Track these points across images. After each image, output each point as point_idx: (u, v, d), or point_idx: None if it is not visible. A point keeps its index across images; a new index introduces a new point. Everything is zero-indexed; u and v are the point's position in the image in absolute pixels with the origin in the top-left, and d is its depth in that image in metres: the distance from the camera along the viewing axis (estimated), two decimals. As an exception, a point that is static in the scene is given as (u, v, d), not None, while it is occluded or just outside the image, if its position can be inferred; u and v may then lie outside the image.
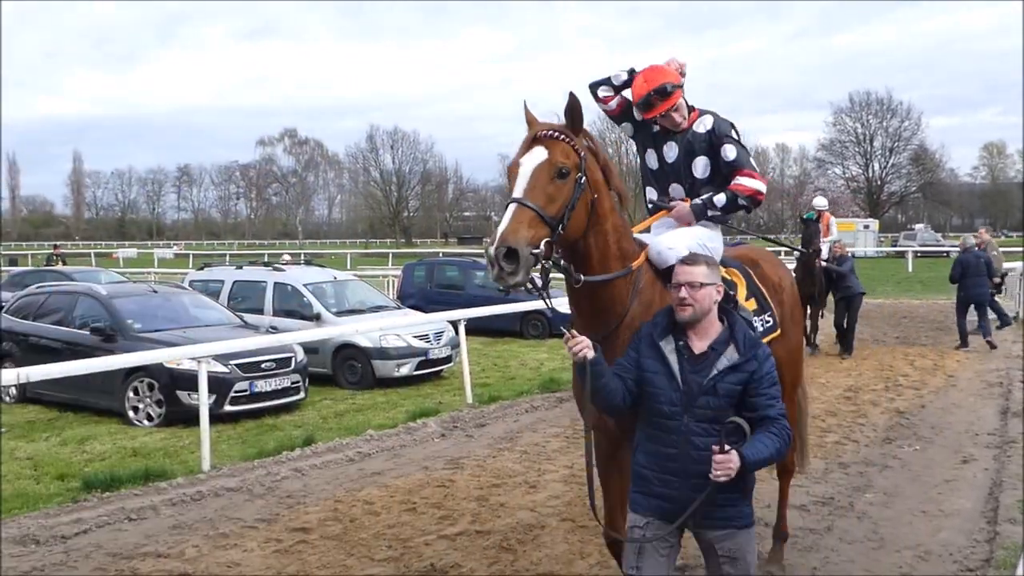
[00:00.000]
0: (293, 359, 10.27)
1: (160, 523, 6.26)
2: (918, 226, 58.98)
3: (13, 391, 10.60)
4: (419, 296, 17.51)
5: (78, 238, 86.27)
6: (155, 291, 12.05)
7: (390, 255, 45.97)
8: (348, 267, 32.25)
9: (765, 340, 4.23)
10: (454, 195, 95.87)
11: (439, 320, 12.12)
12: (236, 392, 9.59)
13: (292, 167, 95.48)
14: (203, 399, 7.82)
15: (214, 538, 5.91)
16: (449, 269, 19.17)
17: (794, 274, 13.46)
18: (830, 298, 14.55)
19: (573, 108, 3.56)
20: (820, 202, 15.72)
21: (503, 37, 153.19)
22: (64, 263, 26.07)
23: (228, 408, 9.50)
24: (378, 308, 13.22)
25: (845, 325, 13.98)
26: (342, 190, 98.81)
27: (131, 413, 9.60)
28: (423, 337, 12.19)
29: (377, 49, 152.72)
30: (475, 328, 14.00)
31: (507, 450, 8.23)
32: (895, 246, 50.96)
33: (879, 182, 78.19)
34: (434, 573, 5.24)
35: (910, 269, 35.67)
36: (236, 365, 9.59)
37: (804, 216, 14.94)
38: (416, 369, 12.04)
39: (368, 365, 11.82)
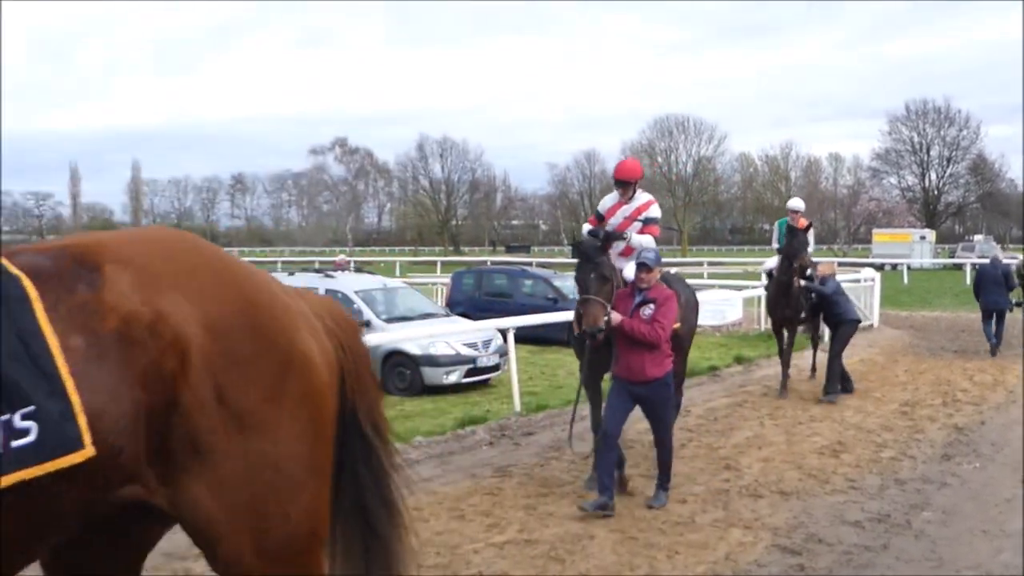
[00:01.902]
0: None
1: (213, 525, 6.34)
2: (977, 237, 57.48)
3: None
4: (468, 304, 17.57)
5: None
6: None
7: (438, 263, 46.16)
8: (397, 274, 32.50)
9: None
10: (502, 203, 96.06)
11: (488, 328, 12.14)
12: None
13: (343, 175, 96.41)
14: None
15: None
16: (498, 277, 19.21)
17: (765, 291, 12.61)
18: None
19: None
20: (796, 204, 12.43)
21: (551, 45, 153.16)
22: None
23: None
24: (427, 315, 13.30)
25: (828, 358, 11.46)
26: (392, 198, 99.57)
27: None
28: (472, 345, 12.22)
29: (427, 58, 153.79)
30: (523, 337, 13.95)
31: (555, 459, 8.21)
32: (952, 257, 49.78)
33: (936, 192, 76.44)
34: (482, 581, 5.24)
35: (967, 282, 34.79)
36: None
37: (779, 224, 12.32)
38: (464, 377, 12.08)
39: (417, 372, 11.89)
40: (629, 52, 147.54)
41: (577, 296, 7.10)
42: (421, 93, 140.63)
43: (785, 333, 11.82)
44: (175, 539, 5.97)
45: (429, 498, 6.91)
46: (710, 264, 39.26)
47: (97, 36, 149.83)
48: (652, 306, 6.56)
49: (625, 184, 7.62)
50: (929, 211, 74.40)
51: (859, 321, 12.01)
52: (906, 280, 35.58)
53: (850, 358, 12.38)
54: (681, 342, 7.51)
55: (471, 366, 12.15)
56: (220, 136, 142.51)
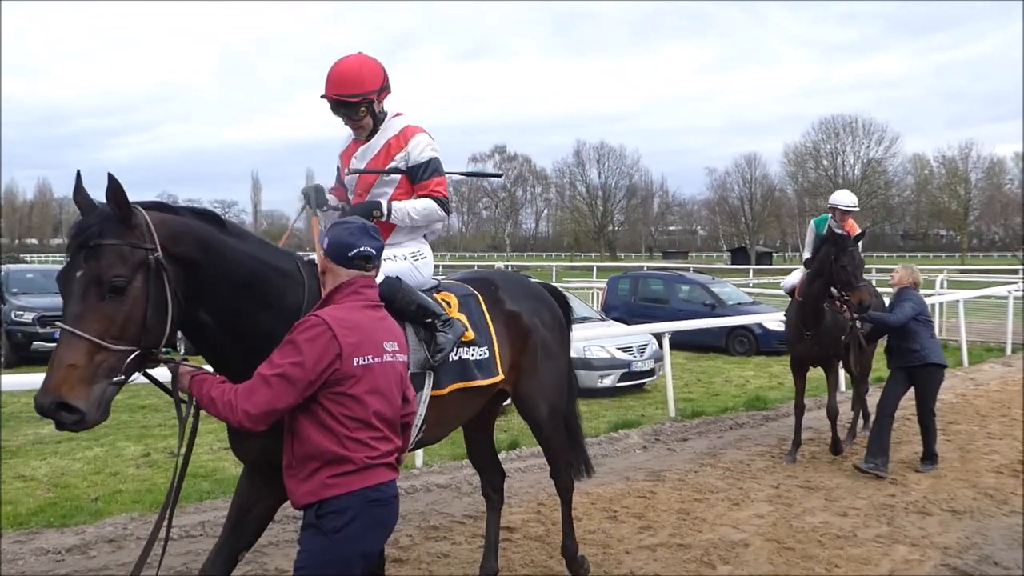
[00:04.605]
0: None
1: (378, 513, 6.71)
2: None
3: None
4: (623, 309, 17.58)
5: (308, 249, 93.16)
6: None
7: (594, 268, 46.25)
8: (554, 279, 32.82)
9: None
10: (659, 209, 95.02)
11: (643, 333, 12.12)
12: (447, 395, 10.06)
13: (502, 182, 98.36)
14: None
15: (425, 530, 6.27)
16: (654, 282, 19.11)
17: (784, 318, 8.93)
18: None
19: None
20: (844, 197, 8.95)
21: (709, 48, 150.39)
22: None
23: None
24: (583, 319, 13.40)
25: (918, 416, 8.01)
26: (549, 204, 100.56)
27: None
28: (627, 349, 12.23)
29: (584, 65, 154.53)
30: (679, 343, 13.87)
31: (710, 466, 8.11)
32: None
33: None
34: (633, 581, 5.29)
35: None
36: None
37: (816, 224, 8.93)
38: (619, 381, 12.10)
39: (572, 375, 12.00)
40: (793, 53, 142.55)
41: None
42: (579, 100, 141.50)
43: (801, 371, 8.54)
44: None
45: (582, 498, 7.01)
46: (878, 271, 37.32)
47: (276, 53, 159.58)
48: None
49: (347, 105, 4.29)
50: None
51: (945, 365, 7.97)
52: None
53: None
54: (531, 407, 4.90)
55: (626, 370, 12.15)
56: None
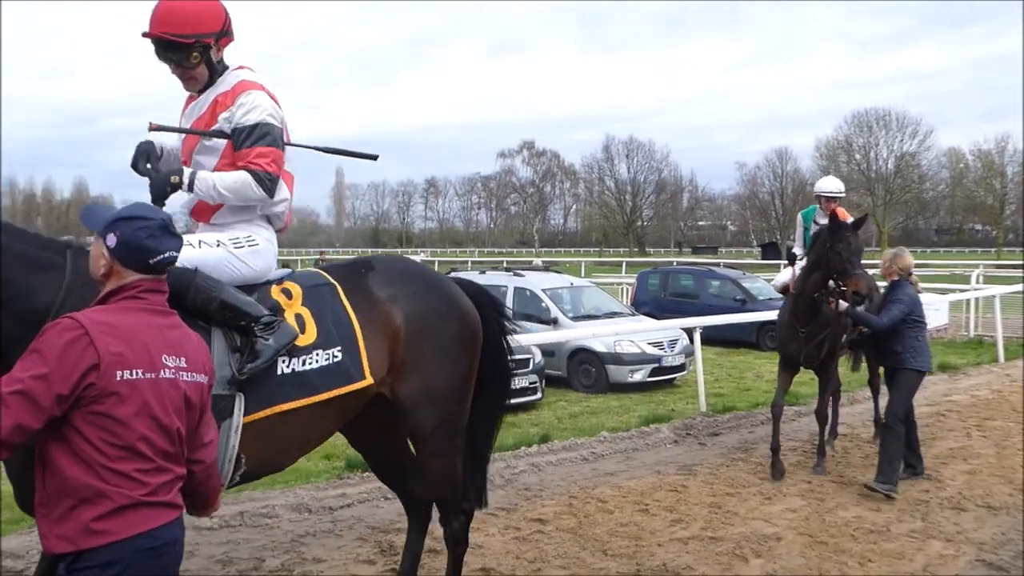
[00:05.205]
0: (531, 360, 10.70)
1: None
2: None
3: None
4: (653, 304, 17.56)
5: (338, 245, 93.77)
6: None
7: (624, 263, 46.13)
8: (583, 274, 32.80)
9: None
10: (689, 204, 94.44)
11: (674, 328, 12.13)
12: (478, 389, 10.13)
13: (530, 178, 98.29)
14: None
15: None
16: (684, 277, 19.07)
17: (777, 318, 8.25)
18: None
19: None
20: (829, 184, 8.35)
21: (740, 43, 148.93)
22: (327, 267, 29.31)
23: (471, 404, 10.05)
24: (613, 314, 13.43)
25: (883, 420, 7.35)
26: (577, 200, 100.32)
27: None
28: (657, 344, 12.25)
29: (616, 61, 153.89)
30: (710, 338, 13.82)
31: (741, 460, 8.11)
32: None
33: None
34: (666, 574, 5.33)
35: None
36: (479, 364, 10.13)
37: (803, 216, 8.40)
38: (649, 376, 12.12)
39: (602, 369, 12.06)
40: (826, 47, 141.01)
41: None
42: (608, 95, 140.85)
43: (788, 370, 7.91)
44: (379, 514, 6.47)
45: (613, 491, 7.06)
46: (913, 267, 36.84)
47: (305, 52, 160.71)
48: None
49: (176, 48, 3.58)
50: None
51: (925, 372, 7.29)
52: None
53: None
54: (409, 413, 4.02)
55: (656, 365, 12.17)
56: (415, 142, 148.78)
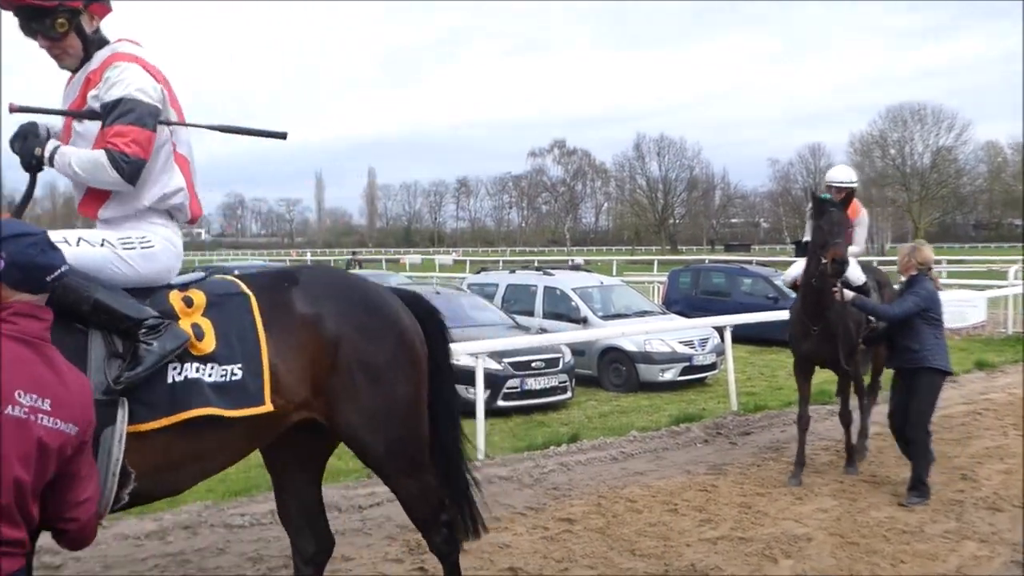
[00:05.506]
0: (561, 359, 10.71)
1: (440, 503, 6.83)
2: None
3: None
4: (684, 302, 17.49)
5: (371, 245, 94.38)
6: (438, 293, 13.06)
7: (655, 262, 45.91)
8: (614, 273, 32.70)
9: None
10: (721, 201, 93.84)
11: (704, 326, 12.07)
12: (508, 388, 10.20)
13: (561, 177, 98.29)
14: (479, 393, 8.38)
15: (487, 521, 6.35)
16: (715, 276, 18.95)
17: (790, 315, 7.80)
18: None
19: None
20: (839, 173, 8.27)
21: (770, 38, 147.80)
22: (361, 267, 29.94)
23: (501, 403, 10.11)
24: (643, 313, 13.40)
25: (907, 428, 6.74)
26: (609, 198, 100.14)
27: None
28: (688, 343, 12.19)
29: (644, 58, 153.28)
30: (741, 336, 13.72)
31: (772, 460, 8.05)
32: None
33: None
34: (695, 574, 5.31)
35: None
36: (509, 363, 10.19)
37: (820, 197, 7.36)
38: (680, 375, 12.07)
39: (632, 368, 12.03)
40: (860, 41, 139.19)
41: None
42: (638, 93, 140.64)
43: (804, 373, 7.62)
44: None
45: (643, 491, 7.04)
46: (949, 263, 36.28)
47: (335, 53, 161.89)
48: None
49: (37, 15, 3.24)
50: None
51: (948, 373, 6.87)
52: None
53: None
54: (357, 444, 3.75)
55: (687, 364, 12.12)
56: (446, 142, 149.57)
